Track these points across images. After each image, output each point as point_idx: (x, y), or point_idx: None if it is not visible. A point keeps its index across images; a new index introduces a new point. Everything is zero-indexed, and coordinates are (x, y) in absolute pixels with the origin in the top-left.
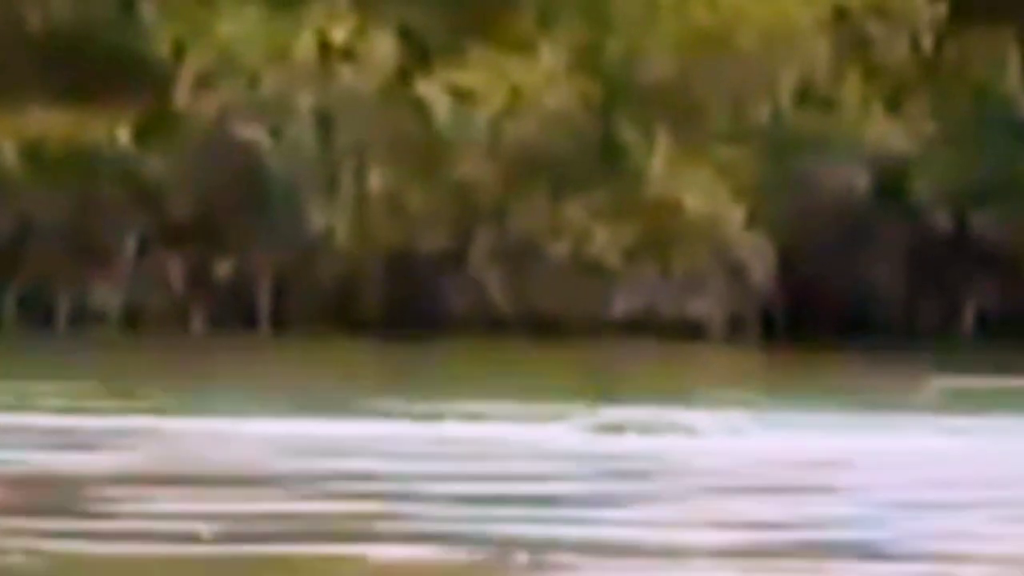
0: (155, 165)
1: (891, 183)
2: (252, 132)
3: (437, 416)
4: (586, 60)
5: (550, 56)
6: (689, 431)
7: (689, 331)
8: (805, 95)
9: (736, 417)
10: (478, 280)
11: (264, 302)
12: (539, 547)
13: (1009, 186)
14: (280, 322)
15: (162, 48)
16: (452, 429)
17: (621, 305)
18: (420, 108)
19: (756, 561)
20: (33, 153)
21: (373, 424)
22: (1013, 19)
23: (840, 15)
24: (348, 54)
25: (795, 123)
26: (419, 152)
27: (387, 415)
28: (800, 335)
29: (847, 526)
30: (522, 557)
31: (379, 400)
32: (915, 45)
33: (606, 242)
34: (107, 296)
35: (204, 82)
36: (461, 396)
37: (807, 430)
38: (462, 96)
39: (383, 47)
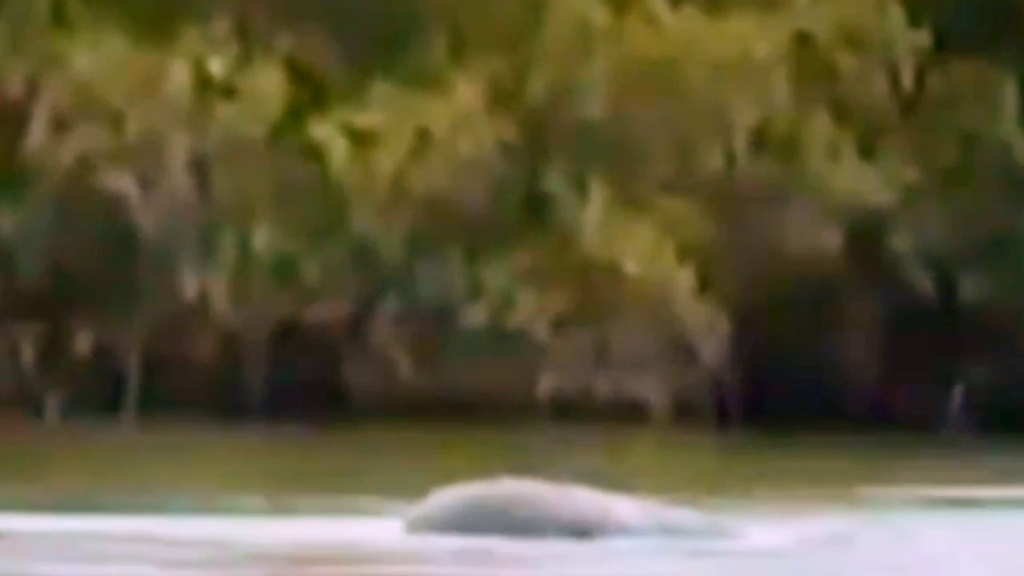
0: (3, 222)
1: (866, 241)
2: (117, 182)
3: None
4: (506, 97)
5: (464, 92)
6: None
7: (628, 415)
8: (764, 138)
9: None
10: (382, 355)
11: (130, 383)
12: None
13: (1004, 245)
14: (149, 406)
15: (11, 86)
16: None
17: (549, 384)
18: (313, 154)
19: None
20: None
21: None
22: (1007, 48)
23: (805, 45)
24: (229, 90)
25: (752, 171)
26: (312, 205)
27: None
28: (758, 421)
29: None
30: None
31: (231, 498)
32: (893, 79)
33: (531, 310)
34: None
35: (60, 124)
36: (326, 490)
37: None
38: (362, 139)
39: (270, 82)
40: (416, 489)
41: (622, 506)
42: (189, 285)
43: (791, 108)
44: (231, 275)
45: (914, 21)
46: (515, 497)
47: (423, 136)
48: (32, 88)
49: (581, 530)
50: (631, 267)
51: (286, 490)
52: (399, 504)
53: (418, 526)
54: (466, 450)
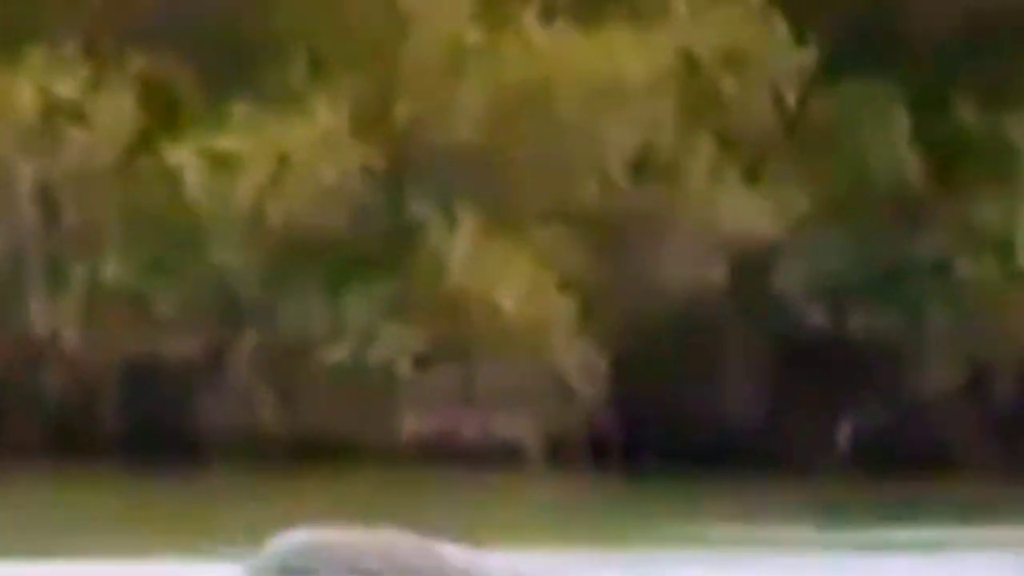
0: None
1: (752, 273)
2: None
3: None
4: (371, 120)
5: (326, 115)
6: None
7: (499, 457)
8: (643, 165)
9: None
10: (240, 392)
11: None
12: None
13: (896, 275)
14: None
15: None
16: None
17: (414, 424)
18: (168, 180)
19: None
20: None
21: None
22: (897, 69)
23: (686, 67)
24: (78, 114)
25: (631, 200)
26: (166, 235)
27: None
28: (638, 464)
29: None
30: None
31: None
32: (778, 102)
33: (396, 346)
34: None
35: None
36: (172, 533)
37: None
38: (219, 165)
39: (121, 105)
40: (265, 533)
41: (485, 561)
42: (37, 319)
43: (672, 132)
44: (81, 308)
45: (800, 40)
46: (363, 544)
47: (283, 161)
48: None
49: None
50: (503, 299)
51: (131, 532)
52: (244, 549)
53: (258, 572)
54: (323, 493)
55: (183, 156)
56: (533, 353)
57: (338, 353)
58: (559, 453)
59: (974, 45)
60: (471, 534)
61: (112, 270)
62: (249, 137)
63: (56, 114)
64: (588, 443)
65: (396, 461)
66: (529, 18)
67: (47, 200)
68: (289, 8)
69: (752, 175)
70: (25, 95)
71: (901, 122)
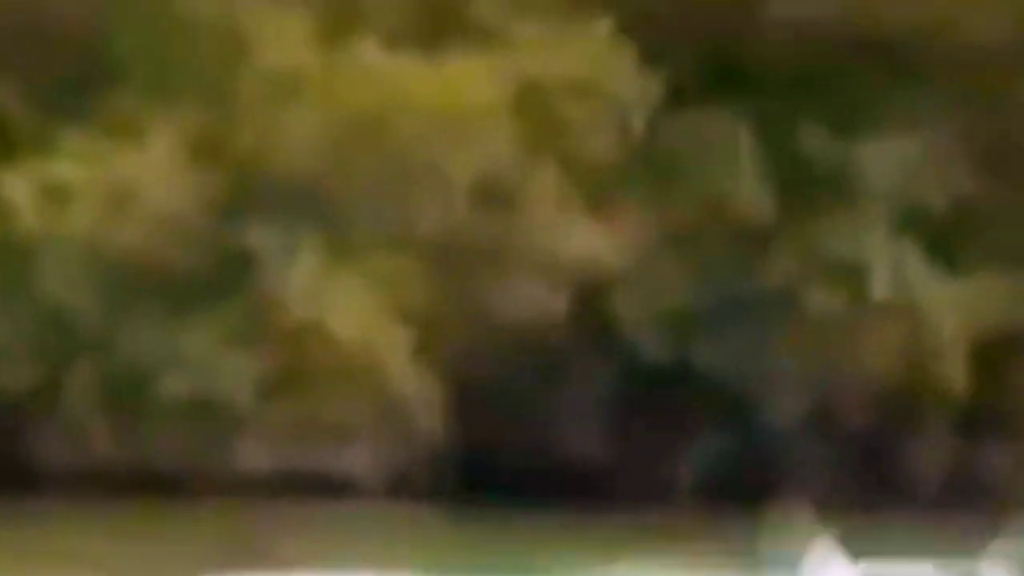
0: None
1: (593, 304)
2: None
3: None
4: (208, 148)
5: (163, 143)
6: None
7: (338, 489)
8: (484, 193)
9: None
10: (76, 425)
11: None
12: None
13: (740, 307)
14: None
15: None
16: None
17: (253, 455)
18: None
19: None
20: None
21: None
22: (745, 96)
23: (528, 94)
24: None
25: (472, 228)
26: None
27: None
28: (478, 497)
29: None
30: None
31: None
32: (623, 129)
33: (234, 377)
34: None
35: None
36: None
37: None
38: (52, 194)
39: None
40: (98, 564)
41: None
42: None
43: (514, 160)
44: None
45: (647, 68)
46: None
47: (117, 190)
48: None
49: None
50: (342, 330)
51: None
52: None
53: None
54: (161, 525)
55: (15, 185)
56: (371, 384)
57: (177, 384)
58: (398, 485)
59: (820, 73)
60: (308, 565)
61: None
62: (83, 166)
63: None
64: (427, 474)
65: (235, 493)
66: (369, 45)
67: None
68: (125, 35)
69: (596, 204)
70: None
71: (748, 150)
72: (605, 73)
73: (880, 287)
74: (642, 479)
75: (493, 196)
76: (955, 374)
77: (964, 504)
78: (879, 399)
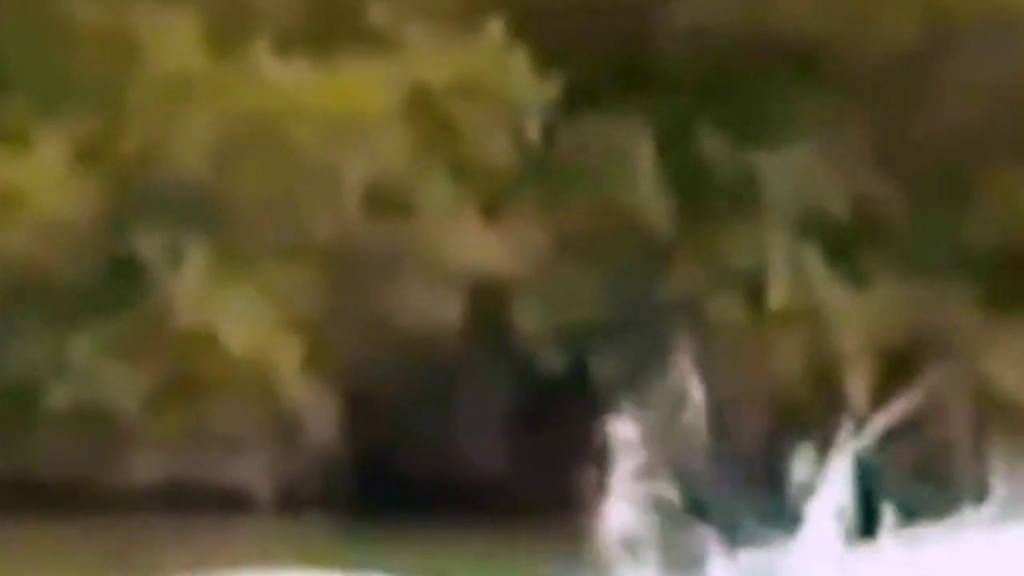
0: None
1: (490, 314)
2: None
3: None
4: (94, 153)
5: (47, 149)
6: None
7: (230, 502)
8: (377, 200)
9: None
10: None
11: None
12: None
13: (641, 318)
14: None
15: None
16: None
17: (142, 468)
18: None
19: None
20: None
21: None
22: (644, 101)
23: (421, 98)
24: None
25: (365, 236)
26: None
27: None
28: (373, 510)
29: None
30: None
31: None
32: (518, 135)
33: (121, 386)
34: None
35: None
36: None
37: None
38: None
39: None
40: None
41: None
42: None
43: (407, 166)
44: None
45: (543, 73)
46: None
47: (3, 197)
48: None
49: None
50: (232, 339)
51: None
52: None
53: None
54: (47, 539)
55: None
56: (263, 394)
57: (62, 395)
58: (291, 496)
59: (722, 80)
60: None
61: None
62: None
63: None
64: (321, 486)
65: (124, 506)
66: (260, 50)
67: None
68: (10, 40)
69: (491, 211)
70: None
71: (647, 157)
72: (499, 77)
73: (781, 296)
74: (540, 489)
75: (386, 203)
76: (859, 384)
77: None
78: (779, 409)
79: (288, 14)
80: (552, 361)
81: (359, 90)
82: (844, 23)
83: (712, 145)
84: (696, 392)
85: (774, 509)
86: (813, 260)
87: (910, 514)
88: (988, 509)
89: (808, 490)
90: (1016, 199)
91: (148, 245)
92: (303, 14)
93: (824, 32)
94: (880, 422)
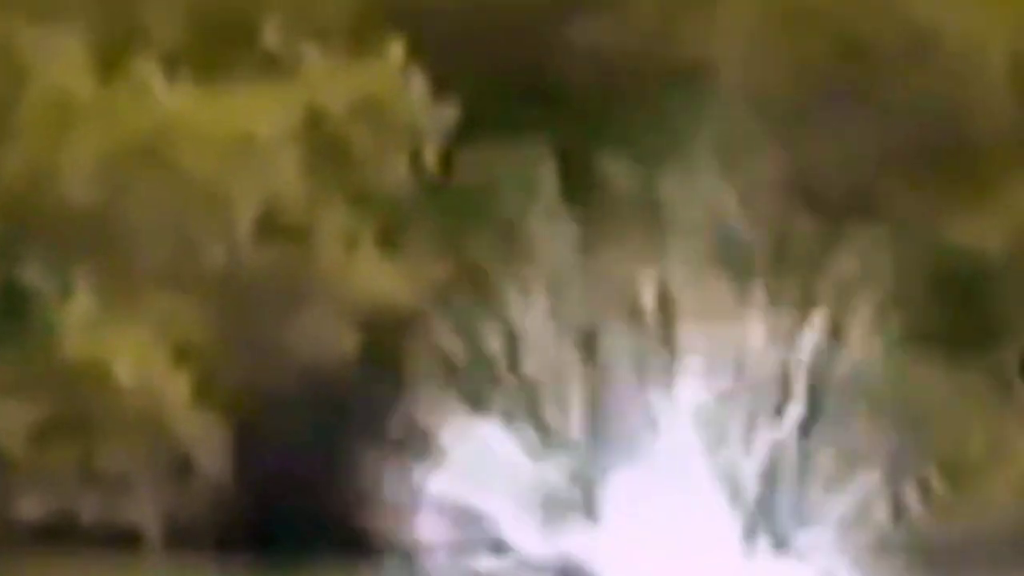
0: None
1: (387, 346)
2: None
3: None
4: None
5: None
6: None
7: (120, 540)
8: (270, 228)
9: None
10: None
11: None
12: None
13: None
14: None
15: None
16: None
17: (29, 504)
18: None
19: None
20: None
21: None
22: (544, 123)
23: (317, 124)
24: None
25: (257, 264)
26: None
27: None
28: (266, 546)
29: None
30: None
31: None
32: (416, 160)
33: (9, 422)
34: None
35: None
36: None
37: None
38: None
39: None
40: None
41: None
42: None
43: (302, 193)
44: None
45: (439, 96)
46: None
47: None
48: None
49: None
50: (120, 371)
51: None
52: None
53: None
54: None
55: None
56: (151, 428)
57: None
58: (181, 534)
59: (627, 103)
60: None
61: None
62: None
63: None
64: (212, 523)
65: (10, 543)
66: (149, 71)
67: None
68: None
69: (388, 239)
70: None
71: (549, 183)
72: (396, 101)
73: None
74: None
75: (281, 230)
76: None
77: None
78: None
79: (179, 35)
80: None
81: (251, 113)
82: (755, 45)
83: (615, 169)
84: None
85: None
86: (721, 287)
87: None
88: None
89: None
90: (936, 223)
91: (35, 274)
92: (194, 35)
93: (734, 54)
94: None
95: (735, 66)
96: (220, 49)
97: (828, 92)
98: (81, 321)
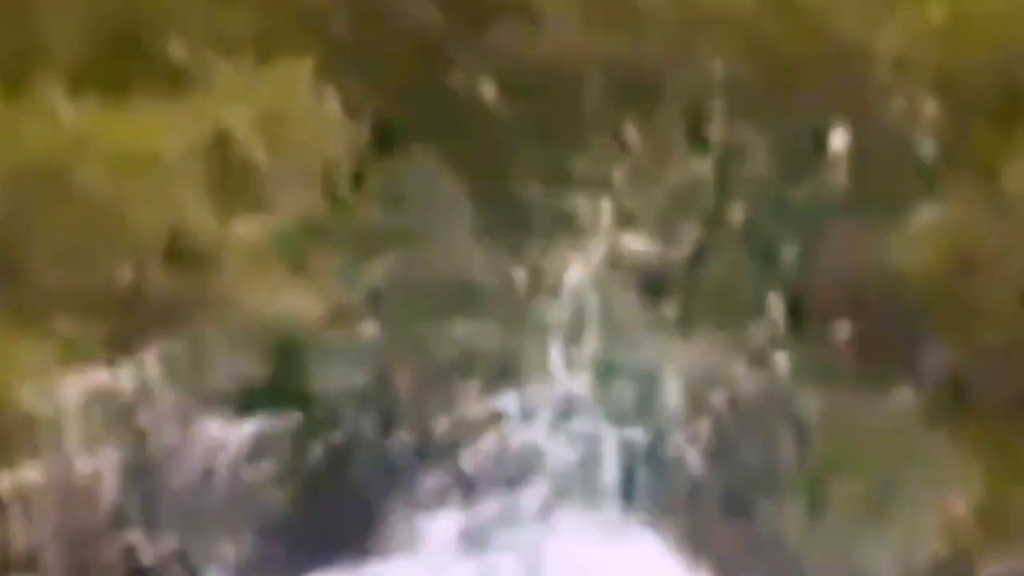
0: None
1: (297, 371)
2: None
3: None
4: None
5: None
6: None
7: (16, 566)
8: (177, 251)
9: None
10: None
11: None
12: None
13: (453, 367)
14: None
15: None
16: None
17: None
18: None
19: None
20: None
21: None
22: (458, 143)
23: (223, 141)
24: None
25: (164, 288)
26: None
27: None
28: None
29: None
30: None
31: None
32: (326, 178)
33: None
34: None
35: None
36: None
37: None
38: None
39: None
40: None
41: None
42: None
43: (209, 215)
44: None
45: (351, 114)
46: None
47: None
48: None
49: None
50: (29, 401)
51: None
52: None
53: None
54: None
55: None
56: (55, 455)
57: None
58: (78, 563)
59: (534, 119)
60: None
61: None
62: None
63: None
64: (111, 552)
65: None
66: (51, 89)
67: None
68: None
69: (296, 261)
70: None
71: (462, 204)
72: (306, 120)
73: (595, 345)
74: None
75: (186, 252)
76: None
77: None
78: None
79: (82, 51)
80: (361, 423)
81: (156, 131)
82: (662, 55)
83: (529, 189)
84: None
85: None
86: (633, 307)
87: None
88: None
89: None
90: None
91: None
92: (98, 51)
93: (642, 66)
94: None
95: (647, 79)
96: (125, 65)
97: (747, 108)
98: None
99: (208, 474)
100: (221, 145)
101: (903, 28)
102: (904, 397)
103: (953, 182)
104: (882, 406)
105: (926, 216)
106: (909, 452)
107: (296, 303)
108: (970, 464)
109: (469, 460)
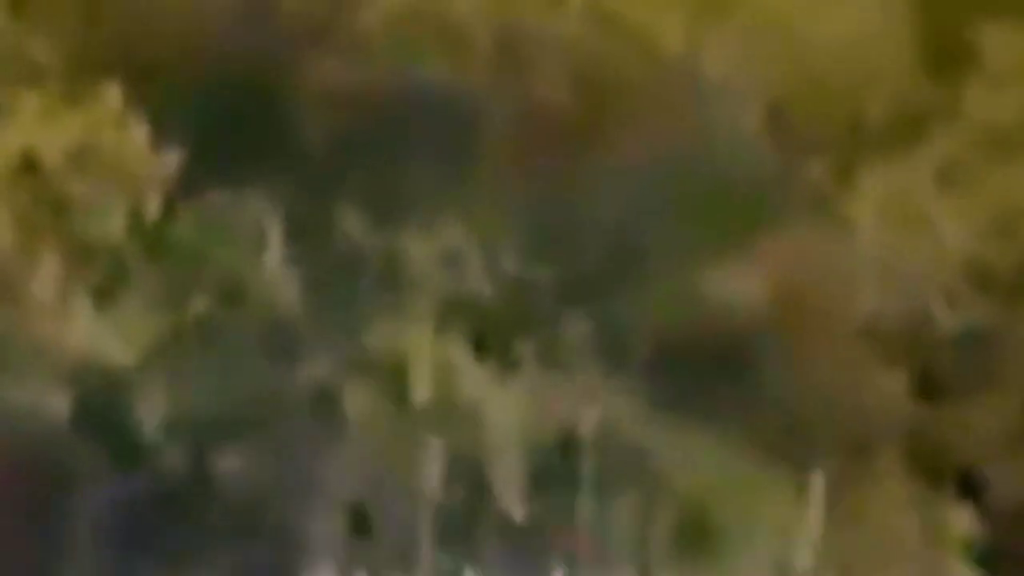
0: None
1: (102, 411)
2: None
3: None
4: None
5: None
6: None
7: None
8: None
9: None
10: None
11: None
12: None
13: (262, 414)
14: None
15: None
16: None
17: None
18: None
19: None
20: None
21: None
22: (275, 174)
23: (31, 172)
24: None
25: None
26: None
27: None
28: None
29: None
30: None
31: None
32: (135, 211)
33: None
34: None
35: None
36: None
37: None
38: None
39: None
40: None
41: None
42: None
43: (13, 245)
44: None
45: (162, 143)
46: None
47: None
48: None
49: None
50: None
51: None
52: None
53: None
54: None
55: None
56: None
57: None
58: None
59: (359, 154)
60: None
61: None
62: None
63: None
64: None
65: None
66: None
67: None
68: None
69: (104, 294)
70: None
71: (275, 237)
72: (115, 148)
73: (425, 386)
74: None
75: None
76: (513, 494)
77: None
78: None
79: None
80: (172, 457)
81: None
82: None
83: (352, 225)
84: None
85: None
86: (461, 348)
87: None
88: None
89: None
90: (682, 287)
91: None
92: None
93: (473, 103)
94: None
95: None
96: None
97: (578, 145)
98: None
99: None
100: (29, 174)
101: (733, 54)
102: (734, 432)
103: (788, 213)
104: (712, 439)
105: (761, 247)
106: (739, 489)
107: (103, 338)
108: (805, 506)
109: None
